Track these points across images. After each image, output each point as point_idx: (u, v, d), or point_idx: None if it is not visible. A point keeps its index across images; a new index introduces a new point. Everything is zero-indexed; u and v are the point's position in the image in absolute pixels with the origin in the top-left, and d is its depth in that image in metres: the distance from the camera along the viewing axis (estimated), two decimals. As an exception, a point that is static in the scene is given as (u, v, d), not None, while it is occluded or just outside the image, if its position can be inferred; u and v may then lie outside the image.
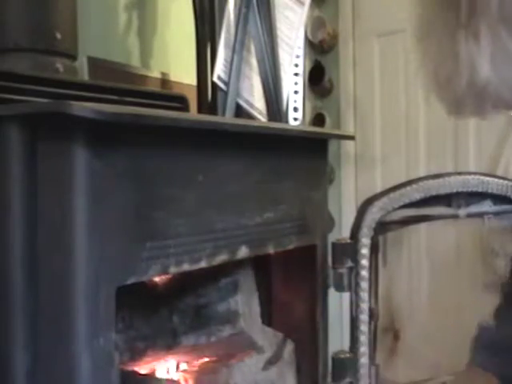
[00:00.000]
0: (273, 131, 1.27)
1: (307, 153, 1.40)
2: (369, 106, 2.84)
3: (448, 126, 2.61)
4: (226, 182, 1.11)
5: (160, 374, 1.21)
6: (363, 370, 1.19)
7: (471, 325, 1.52)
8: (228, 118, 1.63)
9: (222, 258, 1.10)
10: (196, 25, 1.84)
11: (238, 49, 1.66)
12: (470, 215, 1.68)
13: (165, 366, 1.24)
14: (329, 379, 1.33)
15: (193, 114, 1.62)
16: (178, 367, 1.26)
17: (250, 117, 1.72)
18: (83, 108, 0.77)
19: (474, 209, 1.67)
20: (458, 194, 1.65)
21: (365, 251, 1.56)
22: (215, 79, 1.74)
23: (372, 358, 1.24)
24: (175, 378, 1.23)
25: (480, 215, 1.72)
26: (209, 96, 1.83)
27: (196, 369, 1.28)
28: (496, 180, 1.67)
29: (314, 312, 1.44)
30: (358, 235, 1.57)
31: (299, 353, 1.45)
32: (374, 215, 1.57)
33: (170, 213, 0.97)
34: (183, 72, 2.02)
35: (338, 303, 2.04)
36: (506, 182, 1.67)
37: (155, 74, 1.99)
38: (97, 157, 0.83)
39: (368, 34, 2.82)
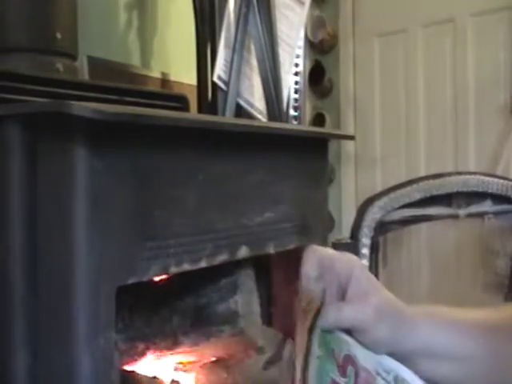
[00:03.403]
0: (273, 131, 1.27)
1: (307, 153, 1.40)
2: (369, 106, 2.84)
3: (448, 126, 2.61)
4: (226, 182, 1.11)
5: (160, 374, 1.21)
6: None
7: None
8: (228, 117, 1.63)
9: (221, 257, 1.10)
10: (196, 25, 1.84)
11: (238, 49, 1.66)
12: (470, 215, 1.68)
13: (165, 366, 1.24)
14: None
15: (193, 114, 1.62)
16: (178, 367, 1.26)
17: (250, 117, 1.72)
18: (83, 108, 0.77)
19: (473, 209, 1.68)
20: (458, 194, 1.65)
21: (365, 251, 1.56)
22: (215, 79, 1.74)
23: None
24: (175, 378, 1.23)
25: (480, 215, 1.72)
26: (209, 96, 1.83)
27: (196, 369, 1.28)
28: (496, 180, 1.68)
29: (314, 312, 1.43)
30: (358, 235, 1.57)
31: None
32: (374, 215, 1.57)
33: (170, 213, 0.97)
34: (183, 72, 2.02)
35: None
36: (506, 181, 1.67)
37: (155, 73, 1.99)
38: (97, 157, 0.83)
39: (368, 34, 2.82)
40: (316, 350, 0.61)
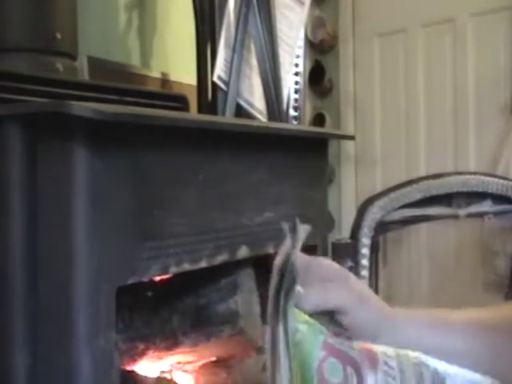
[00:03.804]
0: (273, 131, 1.27)
1: (307, 153, 1.40)
2: (369, 106, 2.84)
3: (448, 126, 2.61)
4: (226, 182, 1.11)
5: (160, 374, 1.21)
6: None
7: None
8: (228, 117, 1.63)
9: (221, 258, 1.10)
10: (196, 25, 1.84)
11: (238, 49, 1.66)
12: (470, 215, 1.68)
13: (165, 366, 1.24)
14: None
15: (193, 113, 1.62)
16: (177, 367, 1.26)
17: (250, 117, 1.72)
18: (83, 108, 0.77)
19: (473, 209, 1.68)
20: (458, 194, 1.65)
21: (365, 251, 1.56)
22: (215, 79, 1.74)
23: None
24: (175, 379, 1.23)
25: (480, 215, 1.72)
26: (209, 96, 1.83)
27: (196, 369, 1.28)
28: (496, 180, 1.68)
29: (314, 312, 1.43)
30: (358, 235, 1.57)
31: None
32: (374, 215, 1.57)
33: (170, 213, 0.97)
34: (183, 72, 2.02)
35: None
36: (506, 181, 1.67)
37: (155, 74, 1.99)
38: (97, 157, 0.83)
39: (368, 34, 2.82)
40: (293, 323, 0.59)
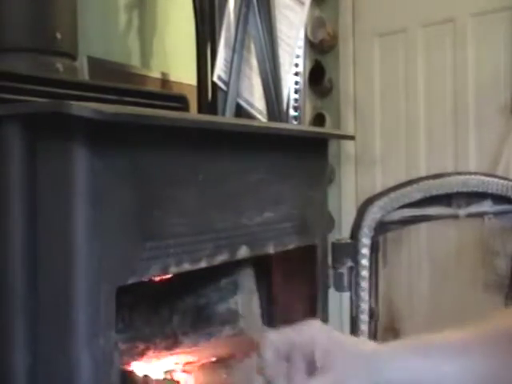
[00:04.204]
0: (273, 131, 1.27)
1: (307, 153, 1.40)
2: (369, 106, 2.84)
3: (448, 126, 2.61)
4: (226, 182, 1.11)
5: (160, 374, 1.21)
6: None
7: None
8: (228, 117, 1.63)
9: (221, 257, 1.10)
10: (196, 25, 1.84)
11: (238, 49, 1.66)
12: (470, 215, 1.68)
13: (165, 366, 1.24)
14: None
15: (193, 113, 1.62)
16: (178, 367, 1.26)
17: (250, 117, 1.72)
18: (83, 108, 0.77)
19: (474, 209, 1.68)
20: (458, 194, 1.65)
21: (365, 251, 1.56)
22: (215, 79, 1.74)
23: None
24: (175, 378, 1.23)
25: (480, 215, 1.72)
26: (209, 96, 1.83)
27: (196, 369, 1.28)
28: (496, 180, 1.68)
29: (314, 312, 1.44)
30: (358, 235, 1.57)
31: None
32: (374, 215, 1.57)
33: (170, 213, 0.97)
34: (183, 72, 2.02)
35: (337, 303, 2.04)
36: (506, 181, 1.67)
37: (155, 74, 1.99)
38: (97, 157, 0.83)
39: (368, 33, 2.82)
40: None
